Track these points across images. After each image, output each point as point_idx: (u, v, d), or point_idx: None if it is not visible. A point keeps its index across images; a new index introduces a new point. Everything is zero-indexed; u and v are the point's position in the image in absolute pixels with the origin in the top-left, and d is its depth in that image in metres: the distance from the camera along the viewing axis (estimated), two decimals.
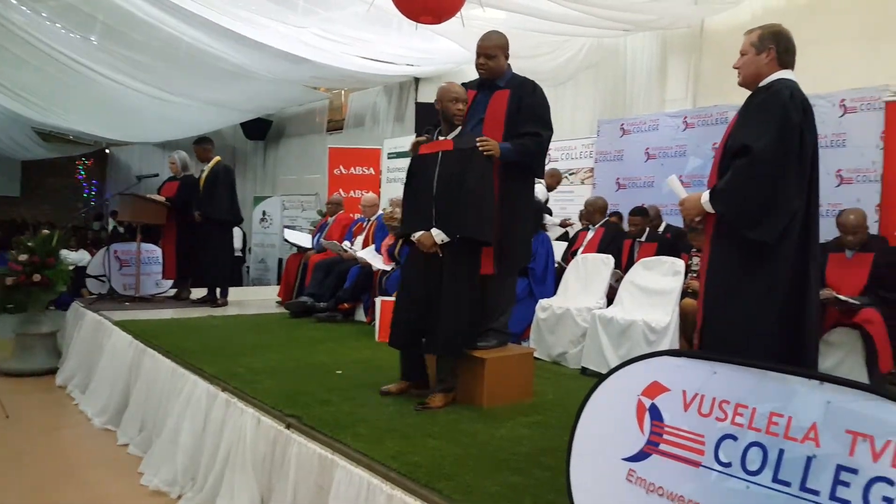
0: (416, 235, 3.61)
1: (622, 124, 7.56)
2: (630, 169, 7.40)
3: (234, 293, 7.71)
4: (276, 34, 8.20)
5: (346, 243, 7.09)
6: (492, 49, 3.84)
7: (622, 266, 5.75)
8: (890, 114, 5.41)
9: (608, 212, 6.52)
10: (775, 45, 2.73)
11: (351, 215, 8.23)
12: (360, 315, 6.60)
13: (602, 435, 2.21)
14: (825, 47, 6.11)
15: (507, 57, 3.87)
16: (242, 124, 14.74)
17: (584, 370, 4.89)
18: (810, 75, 6.11)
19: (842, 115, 5.71)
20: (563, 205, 7.99)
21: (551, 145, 8.11)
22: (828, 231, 4.85)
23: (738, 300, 2.59)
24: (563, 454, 2.27)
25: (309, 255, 7.42)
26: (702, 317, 2.75)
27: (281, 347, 5.11)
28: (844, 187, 5.68)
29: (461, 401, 3.76)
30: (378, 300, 5.68)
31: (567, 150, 8.24)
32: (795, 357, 2.54)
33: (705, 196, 2.67)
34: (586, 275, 5.62)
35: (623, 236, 6.21)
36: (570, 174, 8.18)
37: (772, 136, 2.52)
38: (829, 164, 5.73)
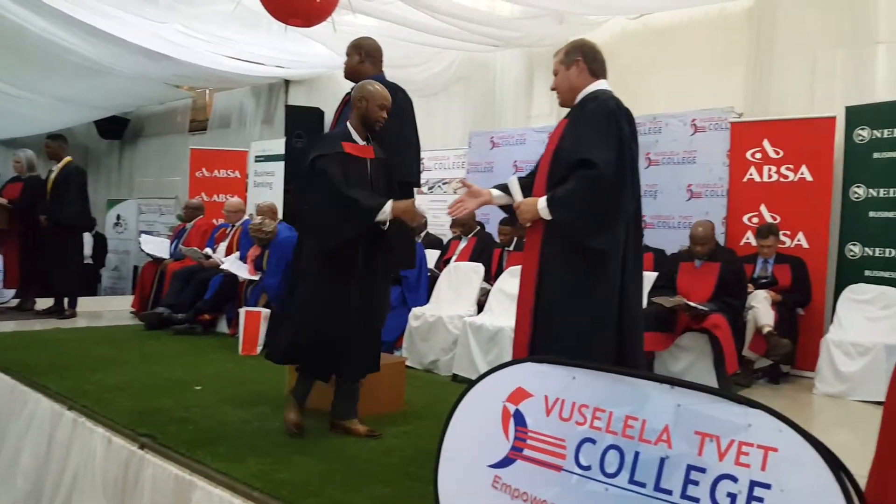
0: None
1: (492, 137, 7.74)
2: (499, 180, 7.51)
3: (84, 304, 7.28)
4: (134, 28, 7.74)
5: (208, 250, 6.77)
6: (347, 48, 3.89)
7: (492, 274, 5.88)
8: (734, 133, 5.89)
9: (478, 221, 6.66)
10: (582, 56, 2.76)
11: (213, 221, 7.89)
12: (223, 327, 6.32)
13: (469, 442, 2.22)
14: (678, 70, 6.58)
15: (364, 58, 3.84)
16: (97, 122, 13.90)
17: (455, 377, 4.94)
18: (665, 96, 6.62)
19: (693, 134, 6.14)
20: (436, 214, 8.07)
21: (425, 154, 8.21)
22: (682, 241, 5.21)
23: (579, 304, 2.61)
24: (433, 463, 2.26)
25: (166, 264, 7.03)
26: (532, 322, 2.72)
27: (135, 362, 4.83)
28: (694, 201, 6.11)
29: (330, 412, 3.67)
30: (242, 311, 5.47)
31: (440, 161, 8.34)
32: (624, 359, 2.60)
33: (542, 202, 2.66)
34: (458, 283, 5.70)
35: (494, 245, 6.35)
36: (444, 184, 8.29)
37: (612, 150, 2.57)
38: (680, 179, 6.16)
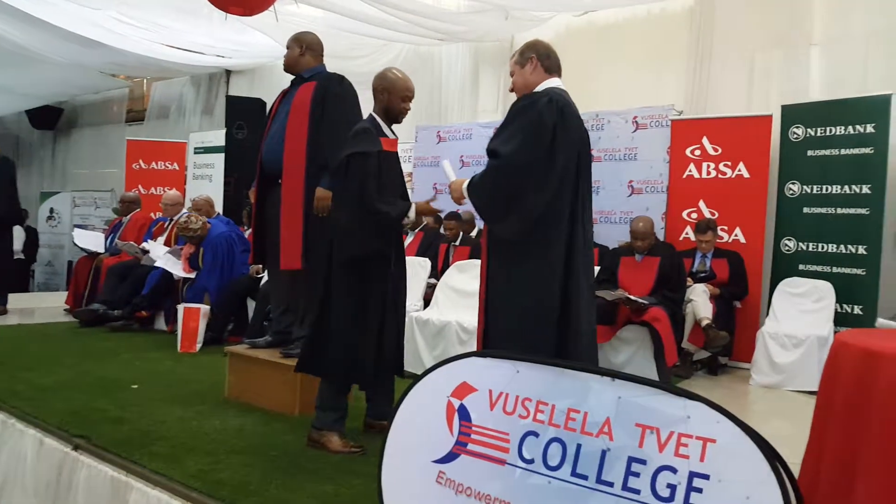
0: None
1: (438, 131, 7.72)
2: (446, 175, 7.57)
3: (15, 300, 7.05)
4: (66, 14, 7.44)
5: (146, 244, 6.56)
6: (288, 41, 3.88)
7: (438, 269, 5.86)
8: (674, 131, 6.01)
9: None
10: (535, 53, 2.81)
11: (151, 214, 7.65)
12: (161, 324, 6.15)
13: (413, 438, 2.20)
14: (621, 68, 6.68)
15: (304, 51, 3.84)
16: (28, 112, 13.48)
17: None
18: (607, 93, 6.71)
19: (634, 131, 6.25)
20: None
21: None
22: (623, 236, 5.29)
23: (516, 297, 2.65)
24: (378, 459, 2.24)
25: (101, 259, 6.80)
26: (483, 316, 2.78)
27: (69, 361, 4.67)
28: (635, 197, 6.21)
29: (272, 411, 3.62)
30: (180, 307, 5.32)
31: None
32: (566, 351, 2.60)
33: (465, 184, 2.78)
34: None
35: (440, 240, 6.34)
36: None
37: (519, 141, 2.61)
38: (622, 176, 6.26)
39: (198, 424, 3.38)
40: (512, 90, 2.90)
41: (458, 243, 6.18)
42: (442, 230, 6.48)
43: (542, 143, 2.59)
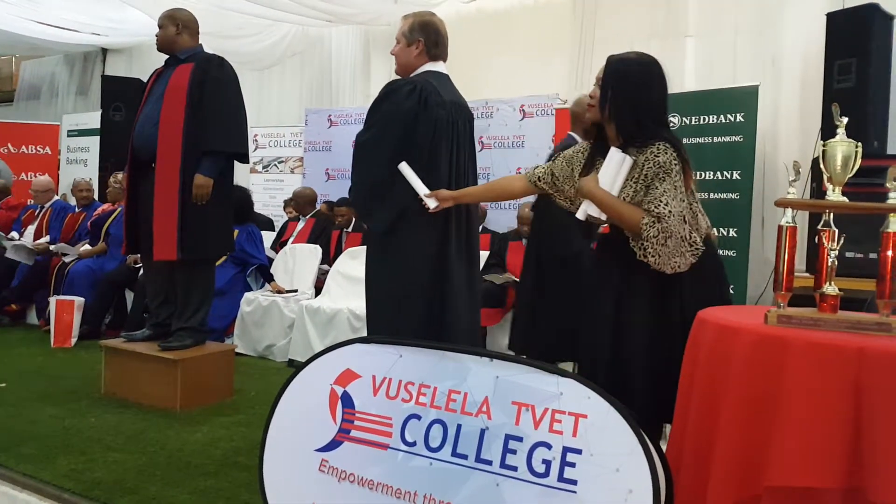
0: None
1: (329, 115, 7.59)
2: (339, 160, 7.45)
3: None
4: None
5: (14, 234, 6.12)
6: (160, 18, 3.74)
7: (331, 256, 5.79)
8: (559, 119, 6.16)
9: (319, 202, 6.52)
10: (424, 38, 2.77)
11: (26, 202, 7.13)
12: (33, 318, 5.77)
13: (295, 428, 2.17)
14: (508, 56, 6.77)
15: (180, 30, 3.71)
16: None
17: (290, 362, 4.82)
18: (496, 81, 6.80)
19: (521, 119, 6.37)
20: (273, 193, 7.81)
21: (259, 131, 7.83)
22: (510, 222, 5.39)
23: (384, 282, 2.68)
24: None
25: None
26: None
27: None
28: None
29: (152, 406, 3.49)
30: (53, 300, 5.00)
31: (275, 138, 8.05)
32: (440, 334, 2.61)
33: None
34: (294, 265, 5.56)
35: (332, 227, 6.25)
36: (280, 162, 8.02)
37: (374, 129, 2.64)
38: (510, 163, 6.36)
39: (72, 423, 3.24)
40: (394, 55, 2.84)
41: (350, 230, 6.11)
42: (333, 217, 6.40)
43: (395, 131, 2.58)
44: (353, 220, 6.13)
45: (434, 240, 2.63)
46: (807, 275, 3.56)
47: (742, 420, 1.64)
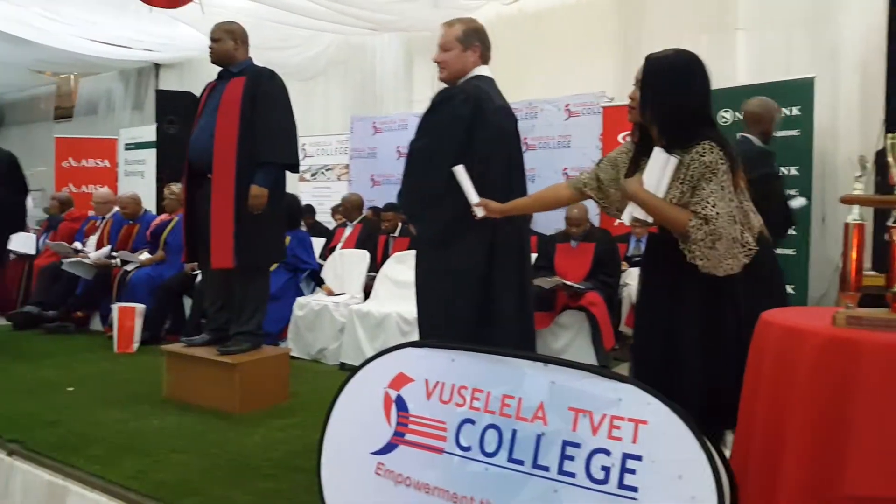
0: None
1: (374, 122, 7.65)
2: (383, 166, 7.53)
3: None
4: None
5: (77, 244, 6.34)
6: (216, 32, 3.78)
7: (378, 261, 5.83)
8: (606, 118, 6.08)
9: (365, 208, 6.58)
10: (480, 43, 2.77)
11: (88, 213, 7.39)
12: (97, 324, 5.96)
13: (351, 431, 2.19)
14: (552, 55, 6.72)
15: (238, 44, 3.77)
16: None
17: (342, 366, 4.87)
18: (539, 81, 6.74)
19: (567, 119, 6.31)
20: (321, 201, 7.92)
21: (306, 140, 7.94)
22: (558, 224, 5.34)
23: (436, 287, 2.67)
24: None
25: (33, 260, 6.60)
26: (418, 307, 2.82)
27: (2, 364, 4.56)
28: None
29: (211, 409, 3.57)
30: (115, 307, 5.15)
31: (322, 146, 8.17)
32: (491, 338, 2.58)
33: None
34: (343, 271, 5.62)
35: (379, 232, 6.29)
36: (327, 170, 8.13)
37: (429, 137, 2.63)
38: (556, 163, 6.31)
39: (136, 425, 3.34)
40: (439, 62, 2.78)
41: (396, 234, 6.15)
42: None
43: (454, 138, 2.57)
44: (400, 225, 6.17)
45: (484, 244, 2.62)
46: (875, 273, 3.43)
47: (812, 427, 1.58)
